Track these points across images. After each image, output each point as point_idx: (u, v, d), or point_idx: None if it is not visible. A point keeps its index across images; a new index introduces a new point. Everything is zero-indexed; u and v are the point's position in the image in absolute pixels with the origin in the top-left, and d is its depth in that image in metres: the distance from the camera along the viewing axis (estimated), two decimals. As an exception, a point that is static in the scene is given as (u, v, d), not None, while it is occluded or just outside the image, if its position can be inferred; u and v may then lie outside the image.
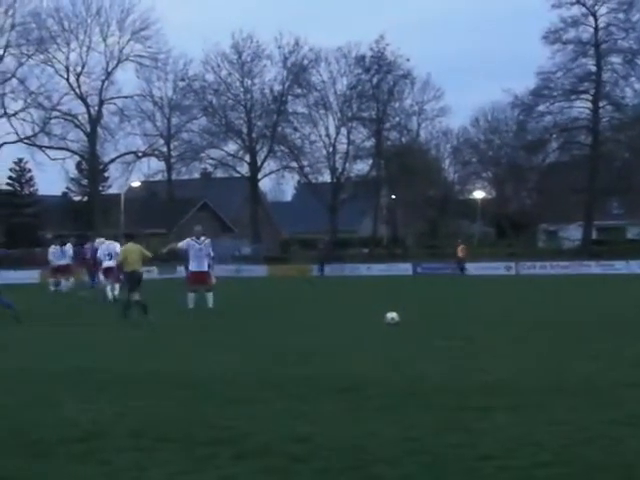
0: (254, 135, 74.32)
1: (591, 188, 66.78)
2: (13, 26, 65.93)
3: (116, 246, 28.27)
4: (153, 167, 76.05)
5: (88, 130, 70.23)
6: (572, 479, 6.16)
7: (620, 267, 51.82)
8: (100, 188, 74.28)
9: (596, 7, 66.72)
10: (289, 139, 74.83)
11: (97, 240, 32.43)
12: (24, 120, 67.87)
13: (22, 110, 67.70)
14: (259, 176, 75.92)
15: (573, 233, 71.97)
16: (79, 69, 69.53)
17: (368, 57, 72.83)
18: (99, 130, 70.80)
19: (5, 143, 67.77)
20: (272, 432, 7.59)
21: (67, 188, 78.89)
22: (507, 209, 77.04)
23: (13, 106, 67.59)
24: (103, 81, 70.13)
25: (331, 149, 74.59)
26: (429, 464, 6.49)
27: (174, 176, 75.38)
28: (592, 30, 67.13)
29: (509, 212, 76.37)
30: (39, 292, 36.47)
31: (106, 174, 75.58)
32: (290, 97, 74.21)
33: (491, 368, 11.40)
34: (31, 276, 48.74)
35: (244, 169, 75.71)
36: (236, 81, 73.82)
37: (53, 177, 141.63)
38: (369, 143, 76.04)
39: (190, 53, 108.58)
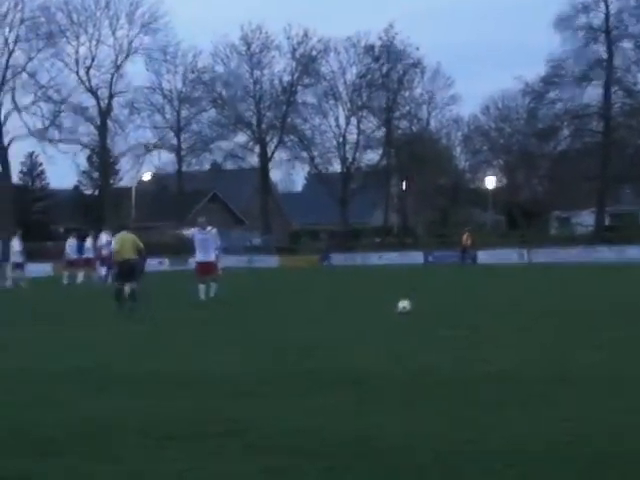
0: (264, 126, 74.31)
1: (603, 175, 66.45)
2: (22, 20, 66.18)
3: None
4: (163, 159, 76.30)
5: (98, 123, 70.40)
6: (581, 471, 6.09)
7: (633, 253, 51.70)
8: (111, 181, 74.43)
9: (607, -7, 66.36)
10: (299, 129, 74.83)
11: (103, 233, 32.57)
12: (34, 114, 68.23)
13: (32, 104, 68.01)
14: (269, 167, 75.96)
15: (586, 219, 71.65)
16: (89, 62, 69.81)
17: (377, 46, 72.81)
18: (109, 123, 71.02)
19: (16, 137, 68.07)
20: (278, 426, 7.56)
21: (78, 181, 79.20)
22: (518, 197, 76.72)
23: (23, 100, 67.93)
24: (113, 74, 70.38)
25: (341, 139, 74.68)
26: (438, 455, 6.46)
27: (184, 168, 75.51)
28: (603, 16, 66.68)
29: (520, 200, 76.05)
30: (52, 285, 36.57)
31: (117, 167, 75.78)
32: (299, 87, 74.23)
33: (494, 359, 11.33)
34: (43, 269, 48.84)
35: (254, 160, 75.82)
36: (245, 72, 73.97)
37: (64, 171, 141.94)
38: (379, 132, 76.02)
39: (199, 45, 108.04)
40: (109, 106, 70.58)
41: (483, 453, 6.53)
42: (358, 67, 73.55)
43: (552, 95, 68.77)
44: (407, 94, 75.87)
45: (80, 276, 36.79)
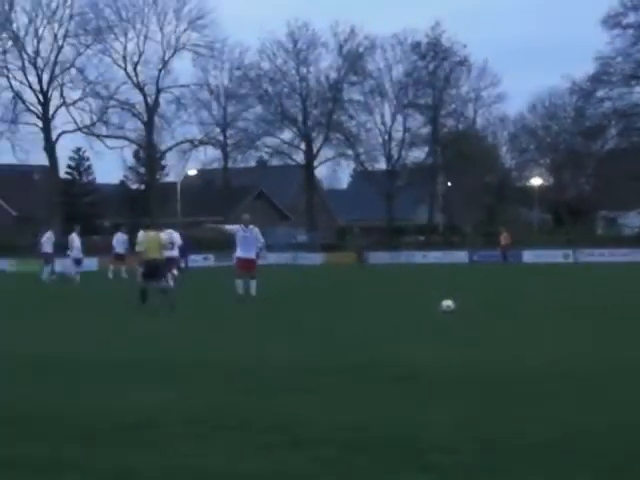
0: (310, 123, 74.36)
1: (651, 175, 65.65)
2: (71, 16, 66.75)
3: (176, 235, 28.20)
4: (209, 155, 76.60)
5: (145, 119, 70.83)
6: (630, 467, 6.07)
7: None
8: (157, 176, 74.88)
9: (657, -10, 65.51)
10: (345, 127, 74.79)
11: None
12: (82, 109, 68.84)
13: (80, 99, 68.62)
14: (315, 164, 76.05)
15: (633, 220, 70.90)
16: (136, 58, 70.16)
17: (424, 44, 72.52)
18: (156, 119, 71.34)
19: (64, 132, 68.74)
20: (327, 421, 7.57)
21: (124, 176, 79.66)
22: (565, 196, 76.09)
23: (72, 95, 68.58)
24: (160, 70, 70.70)
25: (387, 136, 74.55)
26: (484, 452, 6.45)
27: (230, 164, 75.79)
28: (652, 15, 65.91)
29: (567, 199, 75.43)
30: (98, 279, 36.86)
31: (163, 162, 76.22)
32: (345, 85, 74.16)
33: (538, 354, 11.34)
34: (89, 264, 49.22)
35: (300, 157, 75.89)
36: (292, 69, 73.99)
37: (111, 166, 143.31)
38: (425, 130, 75.77)
39: (246, 42, 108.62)
40: (156, 102, 70.99)
41: (531, 446, 6.52)
42: (404, 64, 73.48)
43: (600, 94, 68.02)
44: (453, 92, 75.65)
45: (123, 270, 37.00)
